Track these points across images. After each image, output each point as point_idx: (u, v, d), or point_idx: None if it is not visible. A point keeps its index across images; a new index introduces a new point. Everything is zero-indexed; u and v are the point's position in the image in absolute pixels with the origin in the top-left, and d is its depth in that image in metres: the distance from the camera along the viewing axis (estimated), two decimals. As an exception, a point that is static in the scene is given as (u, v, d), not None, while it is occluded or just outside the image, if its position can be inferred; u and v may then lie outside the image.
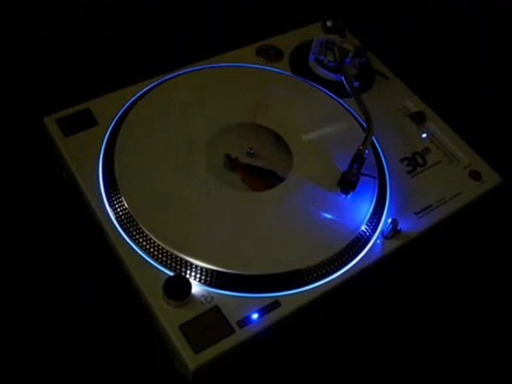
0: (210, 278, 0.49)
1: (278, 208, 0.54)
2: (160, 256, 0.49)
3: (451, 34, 0.69)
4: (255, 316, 0.47)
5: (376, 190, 0.56)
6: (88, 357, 0.50)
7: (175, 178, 0.54)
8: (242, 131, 0.59)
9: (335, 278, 0.51)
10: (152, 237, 0.50)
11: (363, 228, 0.53)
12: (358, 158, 0.55)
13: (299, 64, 0.67)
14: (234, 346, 0.46)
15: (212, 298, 0.48)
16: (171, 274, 0.48)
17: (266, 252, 0.51)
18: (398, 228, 0.54)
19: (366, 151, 0.55)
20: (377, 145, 0.61)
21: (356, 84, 0.64)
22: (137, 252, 0.50)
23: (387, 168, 0.59)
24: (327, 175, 0.56)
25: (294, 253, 0.51)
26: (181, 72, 0.63)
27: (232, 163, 0.56)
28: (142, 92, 0.60)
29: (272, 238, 0.52)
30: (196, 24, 0.70)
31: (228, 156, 0.56)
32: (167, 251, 0.49)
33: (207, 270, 0.49)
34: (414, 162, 0.60)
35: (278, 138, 0.59)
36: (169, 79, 0.62)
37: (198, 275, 0.49)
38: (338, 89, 0.64)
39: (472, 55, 0.68)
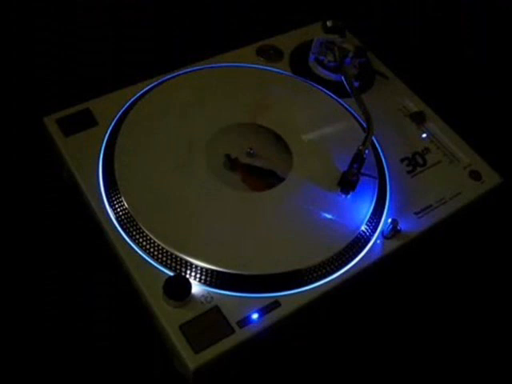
0: (209, 278, 0.49)
1: (277, 208, 0.54)
2: (160, 256, 0.49)
3: (451, 33, 0.69)
4: (255, 316, 0.47)
5: (376, 190, 0.56)
6: (88, 357, 0.50)
7: (175, 178, 0.54)
8: (242, 131, 0.59)
9: (335, 278, 0.51)
10: (152, 237, 0.50)
11: (363, 228, 0.53)
12: (358, 158, 0.55)
13: (299, 64, 0.67)
14: (234, 346, 0.46)
15: (212, 298, 0.48)
16: (171, 274, 0.48)
17: (266, 252, 0.51)
18: (398, 228, 0.54)
19: (366, 151, 0.55)
20: (377, 145, 0.60)
21: (356, 84, 0.64)
22: (137, 252, 0.50)
23: (387, 168, 0.59)
24: (327, 175, 0.56)
25: (294, 253, 0.51)
26: (181, 72, 0.63)
27: (232, 163, 0.56)
28: (141, 92, 0.60)
29: (272, 238, 0.52)
30: (196, 24, 0.70)
31: (228, 156, 0.56)
32: (167, 251, 0.49)
33: (207, 269, 0.49)
34: (414, 162, 0.60)
35: (278, 138, 0.59)
36: (169, 79, 0.62)
37: (198, 275, 0.49)
38: (338, 89, 0.64)
39: (472, 55, 0.68)
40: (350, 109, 0.63)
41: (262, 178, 0.56)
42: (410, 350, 0.55)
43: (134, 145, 0.56)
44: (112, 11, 0.67)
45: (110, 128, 0.57)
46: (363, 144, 0.55)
